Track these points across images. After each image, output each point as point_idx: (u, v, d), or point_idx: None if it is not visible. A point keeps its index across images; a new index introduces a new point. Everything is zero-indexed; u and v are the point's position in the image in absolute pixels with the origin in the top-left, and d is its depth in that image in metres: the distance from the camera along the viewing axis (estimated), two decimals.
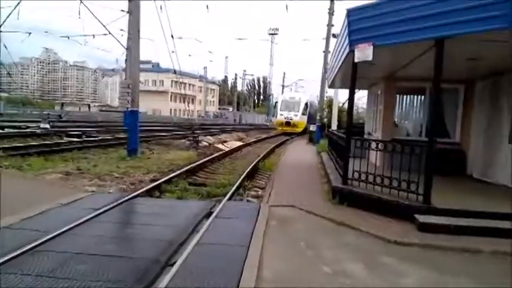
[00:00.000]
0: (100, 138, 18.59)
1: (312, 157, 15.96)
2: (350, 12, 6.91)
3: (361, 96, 18.55)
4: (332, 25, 25.81)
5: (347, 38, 7.00)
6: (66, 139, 17.50)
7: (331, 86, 17.38)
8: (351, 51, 6.79)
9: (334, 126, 20.34)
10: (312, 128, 26.21)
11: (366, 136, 12.99)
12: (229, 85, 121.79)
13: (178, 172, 9.74)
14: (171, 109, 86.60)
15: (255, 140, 26.42)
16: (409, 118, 11.66)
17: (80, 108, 78.35)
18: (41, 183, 8.27)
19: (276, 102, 50.42)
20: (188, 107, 64.02)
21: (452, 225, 5.40)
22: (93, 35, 18.33)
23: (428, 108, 10.35)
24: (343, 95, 28.18)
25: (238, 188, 8.56)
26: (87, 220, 5.26)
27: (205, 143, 20.52)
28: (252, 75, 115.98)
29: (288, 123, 37.03)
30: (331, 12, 25.80)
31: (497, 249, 4.81)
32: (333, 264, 4.29)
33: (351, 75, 7.27)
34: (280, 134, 35.67)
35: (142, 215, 6.18)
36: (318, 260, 4.39)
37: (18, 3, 12.25)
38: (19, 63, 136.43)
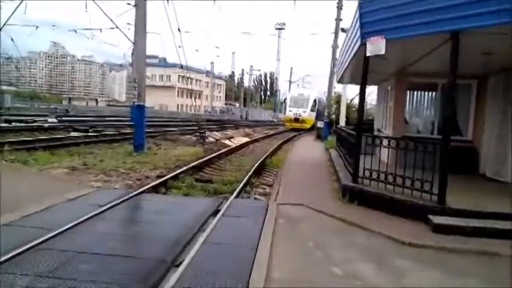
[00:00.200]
0: (106, 132, 18.55)
1: (320, 154, 15.75)
2: (362, 4, 6.70)
3: (370, 92, 18.22)
4: (340, 19, 25.50)
5: (358, 31, 6.78)
6: (72, 133, 17.48)
7: (339, 82, 17.14)
8: (363, 45, 6.58)
9: (342, 123, 20.05)
10: (320, 124, 25.94)
11: (375, 133, 12.74)
12: (236, 80, 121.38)
13: (184, 168, 9.61)
14: (178, 104, 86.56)
15: (261, 136, 26.25)
16: (420, 115, 11.40)
17: (87, 102, 78.56)
18: (46, 178, 8.19)
19: (285, 99, 50.44)
20: (195, 102, 63.82)
21: (468, 226, 5.20)
22: (100, 29, 18.29)
23: (440, 105, 10.13)
24: (351, 91, 27.88)
25: (245, 185, 8.41)
26: (91, 217, 5.15)
27: (212, 139, 20.41)
28: (258, 70, 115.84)
29: (296, 120, 37.08)
30: (339, 6, 25.48)
31: None
32: (343, 265, 4.12)
33: (362, 69, 7.06)
34: (287, 130, 35.54)
35: (148, 212, 6.07)
36: (329, 261, 4.23)
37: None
38: (27, 58, 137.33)
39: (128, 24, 15.30)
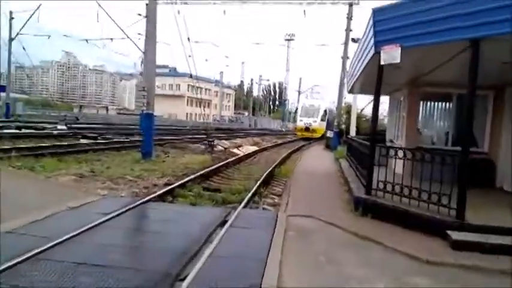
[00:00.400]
0: (115, 140, 18.53)
1: (329, 164, 15.50)
2: (376, 13, 6.53)
3: (381, 103, 17.94)
4: (350, 30, 25.36)
5: (372, 39, 6.61)
6: (82, 141, 17.49)
7: (350, 92, 16.93)
8: (377, 53, 6.40)
9: (353, 133, 19.80)
10: (329, 134, 25.69)
11: (387, 143, 12.47)
12: (245, 90, 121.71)
13: (192, 176, 9.45)
14: (187, 113, 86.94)
15: (270, 145, 26.05)
16: (433, 126, 11.12)
17: (98, 110, 79.42)
18: (52, 185, 8.09)
19: (296, 109, 50.75)
20: (204, 111, 64.08)
21: (487, 243, 4.92)
22: (111, 39, 18.46)
23: (456, 116, 9.86)
24: (360, 101, 27.59)
25: (253, 194, 8.20)
26: (94, 226, 4.98)
27: (220, 148, 20.27)
28: (268, 80, 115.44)
29: (307, 129, 37.71)
30: (349, 17, 25.33)
31: None
32: (357, 282, 3.89)
33: (377, 79, 6.86)
34: (296, 139, 35.55)
35: (154, 222, 5.90)
36: (342, 278, 4.00)
37: (38, 7, 12.34)
38: (39, 66, 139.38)
39: (139, 34, 15.41)
